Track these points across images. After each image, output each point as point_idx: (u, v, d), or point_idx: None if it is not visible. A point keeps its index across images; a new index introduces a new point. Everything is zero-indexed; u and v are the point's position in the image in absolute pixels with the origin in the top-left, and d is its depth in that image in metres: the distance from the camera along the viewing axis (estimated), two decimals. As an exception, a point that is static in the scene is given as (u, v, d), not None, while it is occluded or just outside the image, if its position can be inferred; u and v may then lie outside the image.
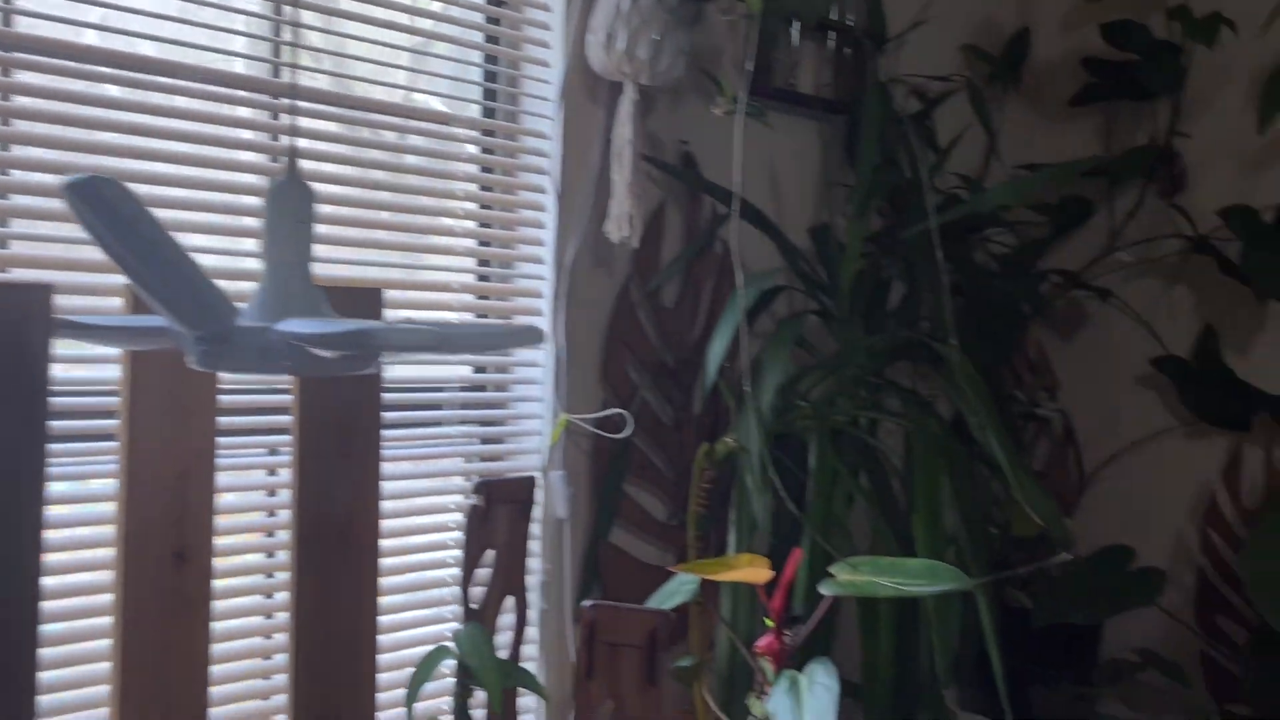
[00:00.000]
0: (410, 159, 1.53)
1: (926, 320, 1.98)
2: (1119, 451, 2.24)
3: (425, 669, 1.24)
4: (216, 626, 1.33)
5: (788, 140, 1.94)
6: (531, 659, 1.67)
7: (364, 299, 1.24)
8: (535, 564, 1.66)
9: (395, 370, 1.56)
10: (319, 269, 1.41)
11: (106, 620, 1.24)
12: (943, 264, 1.70)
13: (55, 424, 1.24)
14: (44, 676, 1.19)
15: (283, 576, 1.41)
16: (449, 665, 1.27)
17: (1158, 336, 2.17)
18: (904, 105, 2.10)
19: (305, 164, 1.42)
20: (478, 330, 1.09)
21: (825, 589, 1.24)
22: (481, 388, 1.64)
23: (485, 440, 1.63)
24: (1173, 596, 2.06)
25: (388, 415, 1.51)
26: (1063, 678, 2.03)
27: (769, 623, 1.34)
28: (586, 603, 1.17)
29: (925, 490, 1.52)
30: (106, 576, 1.25)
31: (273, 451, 1.41)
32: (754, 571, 1.29)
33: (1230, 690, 1.96)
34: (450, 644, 1.26)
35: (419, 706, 1.49)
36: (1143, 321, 2.19)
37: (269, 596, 1.41)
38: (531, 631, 1.67)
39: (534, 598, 1.66)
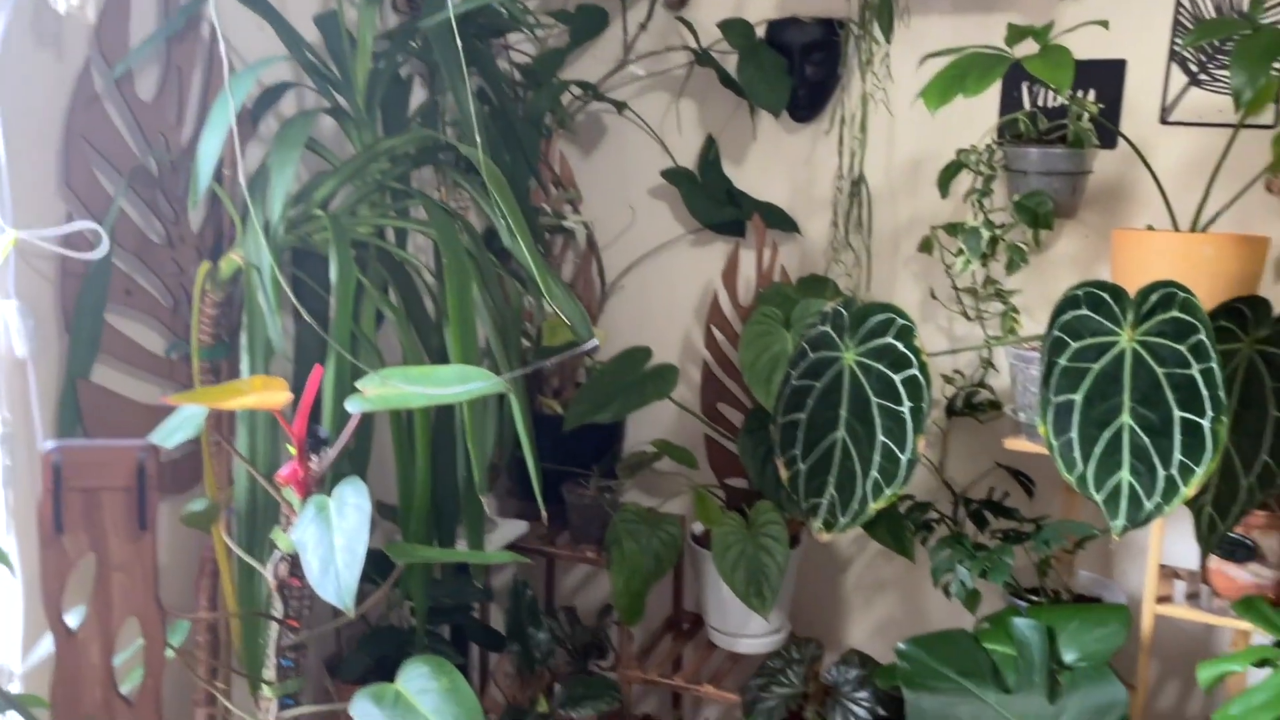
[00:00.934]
0: None
1: (451, 126, 1.88)
2: (636, 261, 2.35)
3: None
4: None
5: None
6: None
7: None
8: (-5, 415, 1.36)
9: None
10: None
11: None
12: (464, 61, 1.59)
13: None
14: None
15: None
16: None
17: (667, 149, 2.28)
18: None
19: None
20: None
21: (353, 405, 1.14)
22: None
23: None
24: (682, 390, 2.24)
25: None
26: (592, 475, 2.15)
27: (291, 450, 1.21)
28: (48, 444, 0.96)
29: (456, 302, 1.45)
30: None
31: None
32: (269, 395, 1.15)
33: (730, 467, 2.20)
34: None
35: None
36: (654, 134, 2.28)
37: None
38: (-1, 495, 1.39)
39: (-3, 455, 1.38)
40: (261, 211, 1.41)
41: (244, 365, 1.39)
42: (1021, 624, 1.59)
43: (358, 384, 1.16)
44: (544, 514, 1.51)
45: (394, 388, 1.15)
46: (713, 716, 2.34)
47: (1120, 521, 1.44)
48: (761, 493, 2.03)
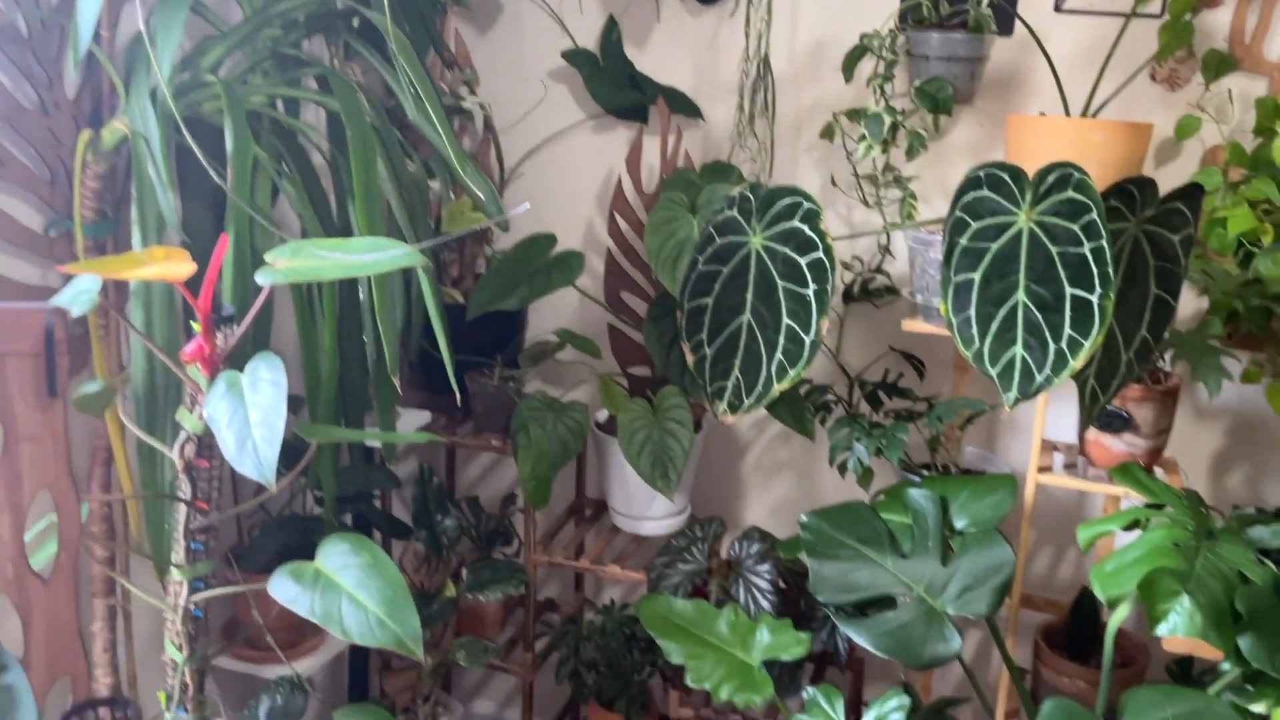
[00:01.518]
0: None
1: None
2: (536, 146, 2.31)
3: None
4: None
5: None
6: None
7: None
8: None
9: None
10: None
11: None
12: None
13: None
14: None
15: None
16: None
17: (567, 29, 2.22)
18: None
19: None
20: None
21: (264, 277, 1.10)
22: None
23: None
24: (584, 280, 2.23)
25: None
26: (495, 365, 2.13)
27: (196, 326, 1.16)
28: (-58, 305, 0.90)
29: (362, 177, 1.40)
30: None
31: None
32: (173, 266, 1.09)
33: (633, 355, 2.21)
34: None
35: None
36: (552, 12, 2.21)
37: None
38: None
39: None
40: (147, 76, 1.32)
41: (135, 241, 1.31)
42: (916, 494, 1.66)
43: (268, 256, 1.11)
44: (457, 395, 1.49)
45: (306, 259, 1.11)
46: (615, 597, 2.40)
47: (1013, 394, 1.51)
48: (666, 379, 2.05)
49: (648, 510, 2.15)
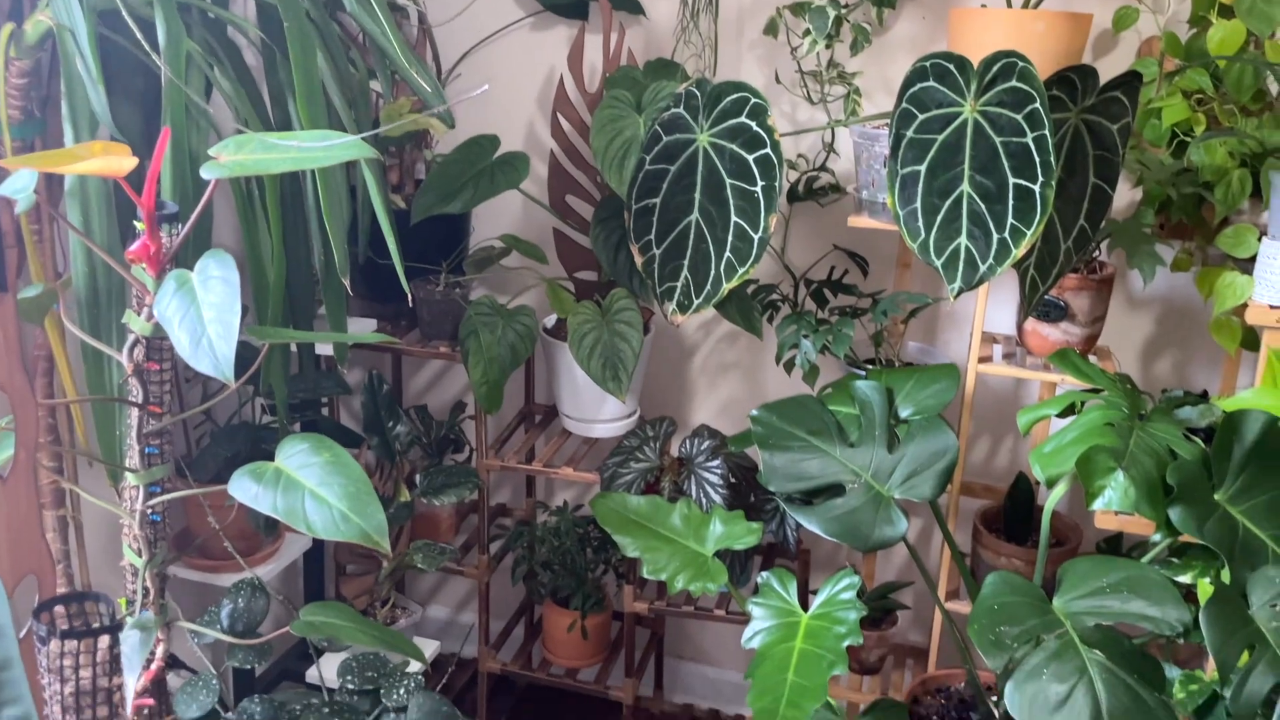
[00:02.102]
0: None
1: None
2: (473, 46, 2.25)
3: None
4: None
5: None
6: None
7: None
8: None
9: None
10: None
11: None
12: None
13: None
14: None
15: None
16: None
17: (504, -77, 2.15)
18: None
19: None
20: None
21: (210, 171, 1.07)
22: None
23: None
24: (528, 184, 2.20)
25: None
26: (439, 271, 2.11)
27: (140, 225, 1.13)
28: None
29: (302, 71, 1.35)
30: None
31: None
32: (113, 161, 1.06)
33: (579, 259, 2.20)
34: None
35: None
36: (490, -94, 2.14)
37: None
38: None
39: None
40: (68, -35, 1.26)
41: (68, 138, 1.26)
42: (863, 385, 1.70)
43: (212, 150, 1.08)
44: (408, 295, 1.48)
45: (253, 152, 1.08)
46: (569, 499, 2.43)
47: (957, 284, 1.55)
48: (613, 283, 2.05)
49: (598, 413, 2.17)
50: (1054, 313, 1.83)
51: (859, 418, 1.70)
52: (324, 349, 2.04)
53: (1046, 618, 1.38)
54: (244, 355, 1.35)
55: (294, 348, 1.74)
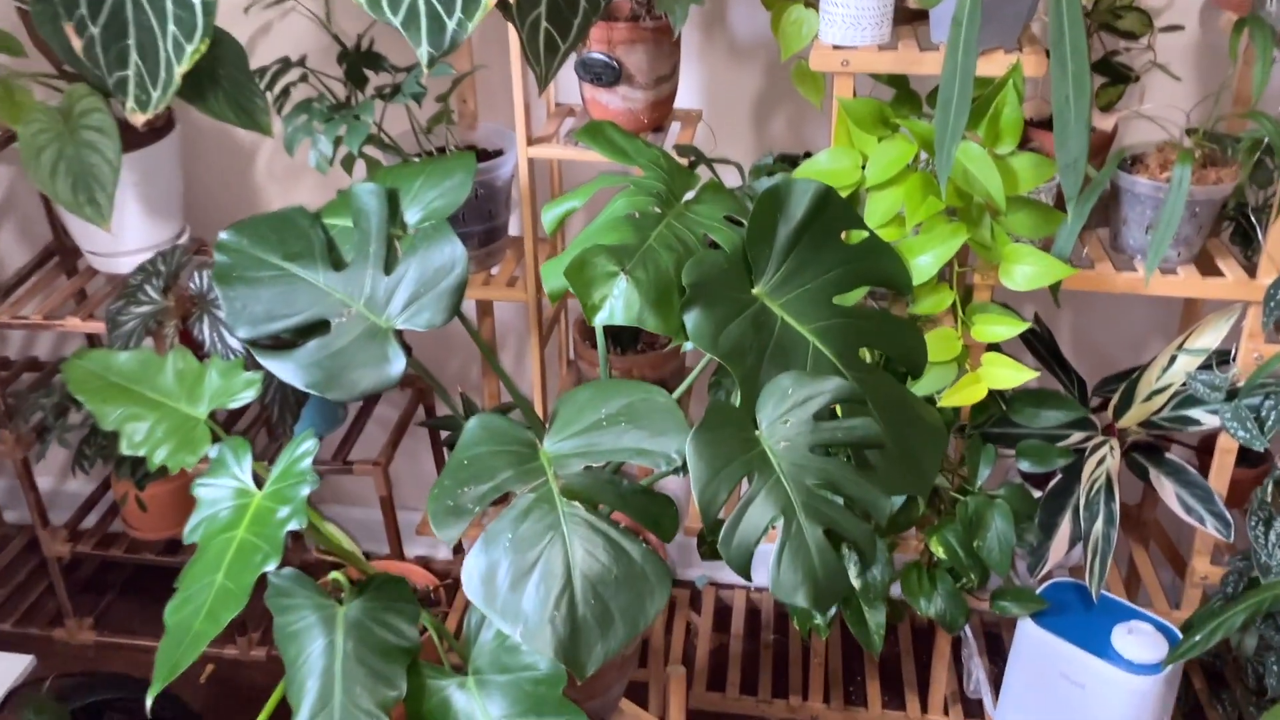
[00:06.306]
0: None
1: None
2: None
3: None
4: None
5: None
6: None
7: None
8: None
9: None
10: None
11: None
12: None
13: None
14: None
15: None
16: None
17: None
18: None
19: None
20: None
21: None
22: None
23: None
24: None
25: None
26: None
27: None
28: None
29: None
30: None
31: None
32: None
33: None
34: None
35: None
36: None
37: None
38: None
39: None
40: None
41: None
42: (361, 189, 1.35)
43: None
44: None
45: None
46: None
47: (423, 47, 1.18)
48: (79, 75, 1.59)
49: (118, 244, 1.75)
50: (606, 74, 1.49)
51: (354, 231, 1.36)
52: None
53: (524, 467, 1.12)
54: None
55: None
